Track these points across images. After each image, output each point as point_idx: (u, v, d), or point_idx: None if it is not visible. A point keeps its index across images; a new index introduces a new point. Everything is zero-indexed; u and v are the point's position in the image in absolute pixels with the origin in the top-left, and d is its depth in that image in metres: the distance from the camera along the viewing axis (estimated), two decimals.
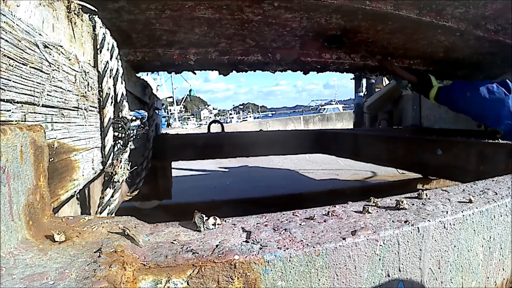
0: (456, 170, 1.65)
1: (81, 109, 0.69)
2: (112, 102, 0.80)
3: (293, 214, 0.59)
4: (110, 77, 0.81)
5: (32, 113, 0.50)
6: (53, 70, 0.56)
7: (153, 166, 2.13)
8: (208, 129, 3.41)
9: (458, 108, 1.98)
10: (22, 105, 0.47)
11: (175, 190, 2.74)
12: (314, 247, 0.46)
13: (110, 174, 0.83)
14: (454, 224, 0.58)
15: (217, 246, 0.46)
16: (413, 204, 0.63)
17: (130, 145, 0.89)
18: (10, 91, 0.44)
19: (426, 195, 0.68)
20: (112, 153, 0.81)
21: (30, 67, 0.49)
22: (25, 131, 0.45)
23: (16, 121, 0.46)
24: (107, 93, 0.79)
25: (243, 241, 0.48)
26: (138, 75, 1.88)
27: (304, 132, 2.96)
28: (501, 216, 0.66)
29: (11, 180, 0.41)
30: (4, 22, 0.43)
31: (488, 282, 0.66)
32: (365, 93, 5.51)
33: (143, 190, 1.83)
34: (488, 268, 0.65)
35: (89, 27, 0.77)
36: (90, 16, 0.78)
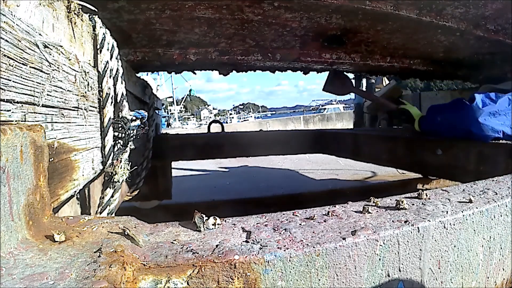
0: (456, 170, 1.65)
1: (81, 109, 0.69)
2: (112, 102, 0.80)
3: (293, 214, 0.59)
4: (110, 77, 0.81)
5: (32, 113, 0.50)
6: (53, 70, 0.56)
7: (153, 166, 2.13)
8: (208, 129, 3.41)
9: (443, 133, 1.80)
10: (22, 105, 0.47)
11: (175, 190, 2.73)
12: (314, 247, 0.46)
13: (110, 174, 0.83)
14: (454, 224, 0.58)
15: (217, 246, 0.46)
16: (413, 204, 0.63)
17: (130, 145, 0.88)
18: (10, 91, 0.44)
19: (426, 195, 0.67)
20: (112, 153, 0.81)
21: (30, 67, 0.49)
22: (25, 131, 0.45)
23: (16, 121, 0.46)
24: (107, 93, 0.79)
25: (243, 241, 0.48)
26: (138, 75, 1.87)
27: (304, 132, 2.96)
28: (501, 216, 0.66)
29: (11, 180, 0.41)
30: (4, 22, 0.43)
31: (488, 282, 0.66)
32: None
33: (143, 190, 1.83)
34: (488, 268, 0.65)
35: (89, 27, 0.77)
36: (90, 16, 0.78)
